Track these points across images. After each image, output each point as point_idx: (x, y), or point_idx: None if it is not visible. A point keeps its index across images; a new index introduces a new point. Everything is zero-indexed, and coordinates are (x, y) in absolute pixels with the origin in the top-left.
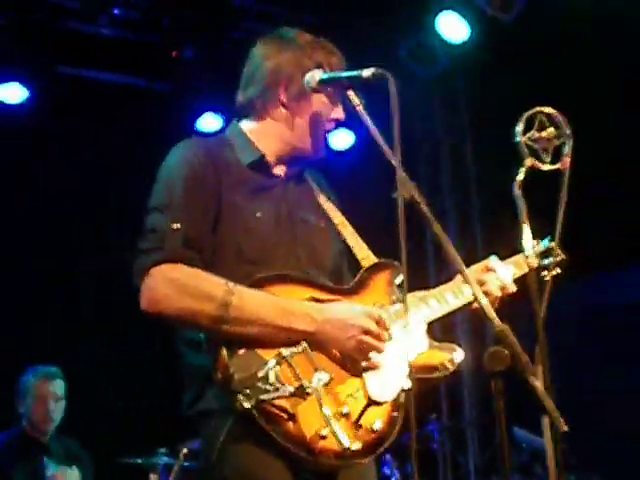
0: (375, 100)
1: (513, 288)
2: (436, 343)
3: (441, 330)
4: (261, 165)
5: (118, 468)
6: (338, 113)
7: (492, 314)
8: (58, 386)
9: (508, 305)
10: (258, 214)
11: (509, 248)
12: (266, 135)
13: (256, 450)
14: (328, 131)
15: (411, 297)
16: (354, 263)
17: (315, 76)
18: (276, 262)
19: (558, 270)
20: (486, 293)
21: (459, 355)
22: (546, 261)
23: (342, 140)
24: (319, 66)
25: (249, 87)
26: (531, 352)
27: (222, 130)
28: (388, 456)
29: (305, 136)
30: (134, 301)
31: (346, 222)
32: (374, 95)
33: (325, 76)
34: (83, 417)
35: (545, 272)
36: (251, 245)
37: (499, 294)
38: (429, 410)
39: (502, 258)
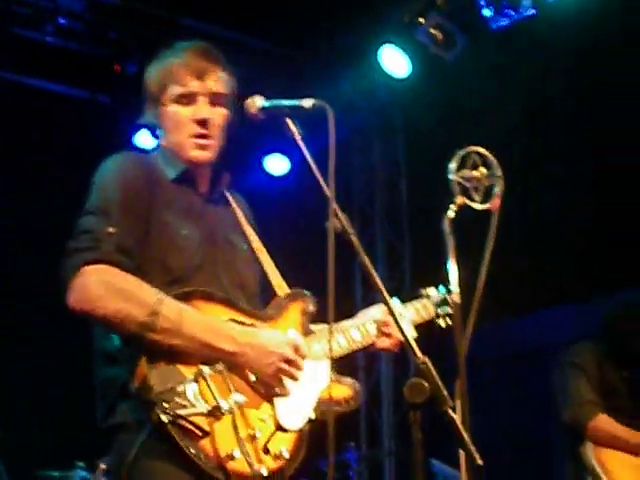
0: (314, 128)
1: (414, 334)
2: (341, 378)
3: (365, 360)
4: (186, 179)
5: None
6: (196, 114)
7: (415, 346)
8: None
9: (432, 340)
10: (184, 232)
11: (437, 283)
12: (175, 152)
13: (167, 466)
14: (197, 134)
15: (321, 327)
16: (269, 290)
17: (256, 103)
18: (198, 281)
19: (449, 322)
20: (389, 335)
21: (359, 396)
22: (441, 310)
23: (278, 166)
24: (160, 84)
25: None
26: (451, 387)
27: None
28: None
29: (174, 142)
30: (51, 313)
31: (263, 248)
32: (314, 123)
33: (266, 104)
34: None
35: (440, 321)
36: (176, 262)
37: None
38: (348, 438)
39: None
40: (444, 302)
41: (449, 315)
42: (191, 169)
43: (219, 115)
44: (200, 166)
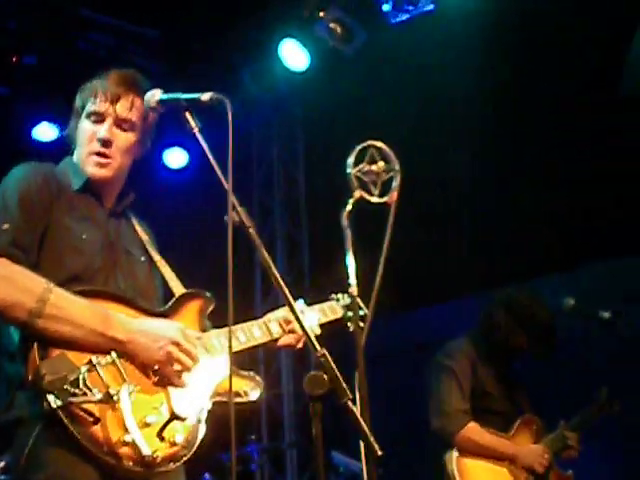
0: (215, 122)
1: (317, 331)
2: (241, 371)
3: (265, 354)
4: (88, 190)
5: None
6: (99, 132)
7: (314, 340)
8: None
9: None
10: (84, 236)
11: (335, 276)
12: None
13: (64, 455)
14: (96, 153)
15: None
16: (170, 297)
17: (155, 96)
18: (97, 282)
19: (361, 324)
20: (292, 331)
21: (259, 389)
22: (349, 314)
23: (176, 159)
24: (84, 102)
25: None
26: (350, 379)
27: (49, 146)
28: (207, 475)
29: (79, 155)
30: None
31: (164, 262)
32: (215, 117)
33: (164, 97)
34: None
35: (348, 324)
36: (76, 262)
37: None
38: (249, 431)
39: (327, 284)
40: (350, 307)
41: (359, 318)
42: (93, 181)
43: (123, 139)
44: (100, 183)
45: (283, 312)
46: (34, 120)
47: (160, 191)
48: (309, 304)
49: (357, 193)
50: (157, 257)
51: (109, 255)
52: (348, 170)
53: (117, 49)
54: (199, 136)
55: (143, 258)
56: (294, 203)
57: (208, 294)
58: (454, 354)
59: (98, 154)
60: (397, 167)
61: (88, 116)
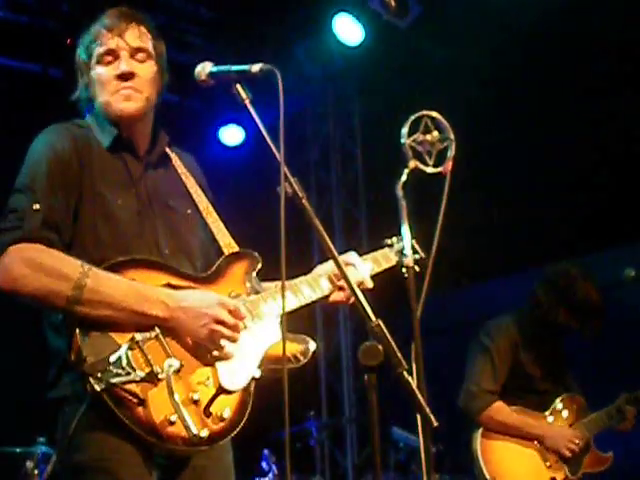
0: (268, 100)
1: (370, 284)
2: (289, 335)
3: (323, 325)
4: (120, 145)
5: None
6: (117, 69)
7: (368, 309)
8: None
9: (385, 302)
10: (119, 201)
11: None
12: (108, 116)
13: (107, 436)
14: (120, 89)
15: (268, 286)
16: (217, 251)
17: (205, 69)
18: (136, 250)
19: (417, 268)
20: (342, 288)
21: (312, 347)
22: (404, 259)
23: (232, 136)
24: (88, 48)
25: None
26: (406, 350)
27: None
28: (266, 451)
29: (103, 103)
30: None
31: (211, 208)
32: (267, 94)
33: (214, 69)
34: None
35: (404, 270)
36: (111, 232)
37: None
38: (308, 407)
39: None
40: (412, 250)
41: (417, 262)
42: (124, 133)
43: (144, 68)
44: (131, 121)
45: (331, 266)
46: None
47: (216, 168)
48: (362, 254)
49: (412, 163)
50: (204, 204)
51: (148, 217)
52: (402, 140)
53: (169, 27)
54: (250, 107)
55: (189, 210)
56: (351, 179)
57: (255, 253)
58: (494, 333)
59: (124, 88)
60: (451, 136)
61: (99, 60)
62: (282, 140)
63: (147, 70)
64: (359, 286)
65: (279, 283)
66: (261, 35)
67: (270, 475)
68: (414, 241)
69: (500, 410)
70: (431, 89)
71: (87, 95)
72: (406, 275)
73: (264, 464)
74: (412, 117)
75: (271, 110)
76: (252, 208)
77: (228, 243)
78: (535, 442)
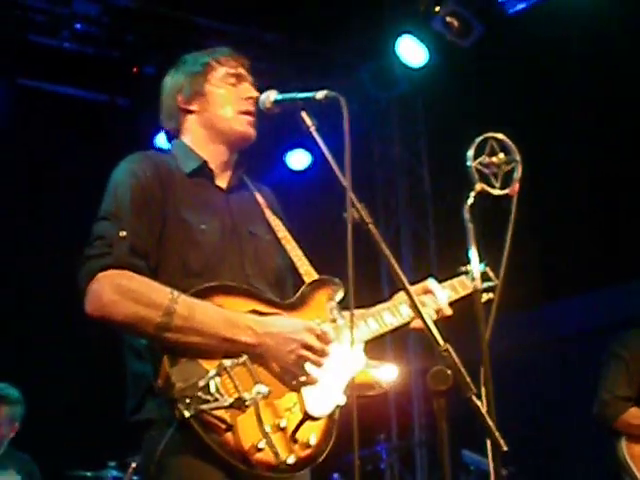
0: (333, 124)
1: (449, 312)
2: (372, 362)
3: (394, 349)
4: (203, 172)
5: None
6: (247, 91)
7: (436, 334)
8: (10, 411)
9: (455, 327)
10: (203, 227)
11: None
12: (198, 143)
13: (194, 461)
14: (247, 112)
15: (347, 314)
16: (297, 278)
17: (270, 97)
18: (221, 275)
19: (491, 295)
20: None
21: (393, 375)
22: (482, 285)
23: (299, 160)
24: (204, 65)
25: (163, 114)
26: (475, 374)
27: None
28: (336, 475)
29: (221, 122)
30: (79, 314)
31: (289, 237)
32: (332, 119)
33: (279, 97)
34: (33, 429)
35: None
36: (196, 258)
37: (435, 317)
38: (378, 430)
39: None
40: (484, 277)
41: (489, 289)
42: (208, 162)
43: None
44: (244, 144)
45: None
46: (155, 129)
47: (283, 192)
48: (439, 281)
49: (478, 186)
50: (282, 232)
51: (232, 241)
52: (468, 163)
53: (234, 53)
54: (315, 134)
55: (268, 237)
56: (418, 200)
57: (337, 280)
58: (629, 344)
59: (249, 113)
60: (518, 158)
61: (224, 80)
62: (348, 167)
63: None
64: (438, 313)
65: (361, 311)
66: (326, 59)
67: None
68: (487, 268)
69: (636, 415)
70: (497, 109)
71: (185, 107)
72: (487, 299)
73: None
74: (477, 139)
75: (337, 133)
76: (320, 232)
77: (308, 271)
78: None
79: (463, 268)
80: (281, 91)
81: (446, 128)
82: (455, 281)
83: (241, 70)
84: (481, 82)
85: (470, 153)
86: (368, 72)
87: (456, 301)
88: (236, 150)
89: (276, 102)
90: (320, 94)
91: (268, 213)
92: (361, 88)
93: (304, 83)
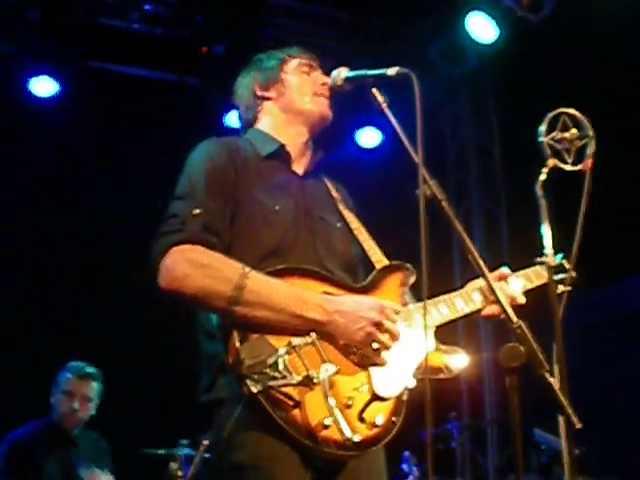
0: (404, 102)
1: (522, 300)
2: (442, 346)
3: (465, 330)
4: (280, 155)
5: (140, 459)
6: (320, 78)
7: (510, 311)
8: (90, 388)
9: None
10: (277, 207)
11: (535, 248)
12: (276, 128)
13: (262, 437)
14: (323, 94)
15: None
16: (369, 268)
17: (341, 74)
18: (294, 255)
19: (569, 287)
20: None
21: (463, 360)
22: (557, 277)
23: (370, 138)
24: (279, 58)
25: (240, 105)
26: (549, 352)
27: (241, 133)
28: (407, 453)
29: (300, 104)
30: (154, 293)
31: (362, 228)
32: (403, 96)
33: (351, 74)
34: (106, 408)
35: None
36: (269, 238)
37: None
38: (449, 408)
39: (527, 258)
40: (561, 269)
41: (564, 281)
42: (285, 146)
43: None
44: (323, 124)
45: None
46: (226, 108)
47: (353, 171)
48: (513, 270)
49: (551, 161)
50: (354, 224)
51: (305, 224)
52: (540, 138)
53: (305, 33)
54: (387, 111)
55: (339, 224)
56: (490, 177)
57: (409, 266)
58: None
59: (324, 96)
60: (590, 133)
61: (298, 69)
62: (420, 143)
63: None
64: (511, 301)
65: (434, 299)
66: (395, 37)
67: (410, 477)
68: (565, 261)
69: None
70: (568, 84)
71: (262, 95)
72: (562, 291)
73: (404, 466)
74: (549, 115)
75: (407, 111)
76: (390, 211)
77: (380, 260)
78: None
79: (539, 259)
80: (352, 69)
81: (517, 104)
82: (530, 270)
83: (313, 62)
84: (552, 58)
85: (542, 129)
86: (438, 49)
87: (530, 290)
88: (314, 131)
89: (347, 79)
90: (391, 70)
91: (341, 206)
92: (431, 65)
93: (374, 61)
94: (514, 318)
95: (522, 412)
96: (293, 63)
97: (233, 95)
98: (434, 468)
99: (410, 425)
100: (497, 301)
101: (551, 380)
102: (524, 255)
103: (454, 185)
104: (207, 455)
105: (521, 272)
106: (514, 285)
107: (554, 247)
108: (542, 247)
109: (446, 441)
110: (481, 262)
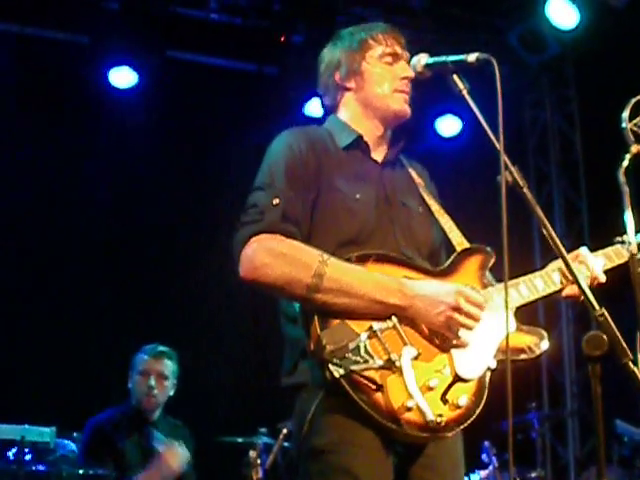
0: (483, 87)
1: (602, 279)
2: (524, 327)
3: (546, 318)
4: (359, 146)
5: (219, 447)
6: (403, 71)
7: (592, 299)
8: (164, 365)
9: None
10: (357, 196)
11: (616, 236)
12: (354, 119)
13: (345, 421)
14: (403, 90)
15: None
16: (450, 250)
17: (421, 60)
18: (374, 243)
19: None
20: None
21: (546, 340)
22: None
23: (449, 126)
24: (361, 42)
25: (321, 90)
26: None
27: (321, 122)
28: (487, 443)
29: (377, 100)
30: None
31: (443, 211)
32: (483, 83)
33: (430, 60)
34: (186, 395)
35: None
36: (351, 225)
37: (588, 284)
38: (530, 398)
39: (608, 246)
40: None
41: None
42: (362, 137)
43: None
44: (400, 121)
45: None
46: (305, 96)
47: (433, 159)
48: (592, 250)
49: (634, 148)
50: (435, 206)
51: (385, 212)
52: (623, 125)
53: (380, 20)
54: (468, 97)
55: (421, 209)
56: (571, 166)
57: (488, 248)
58: None
59: (404, 92)
60: None
61: (381, 59)
62: (501, 129)
63: None
64: (592, 281)
65: (514, 280)
66: (474, 24)
67: (490, 467)
68: None
69: None
70: None
71: (342, 84)
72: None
73: (484, 456)
74: (632, 100)
75: (487, 99)
76: (471, 200)
77: (461, 242)
78: None
79: (619, 238)
80: (430, 56)
81: (598, 91)
82: (610, 249)
83: (397, 48)
84: (634, 43)
85: (625, 114)
86: (517, 36)
87: (611, 269)
88: (391, 127)
89: (427, 66)
90: (472, 56)
91: (422, 189)
92: (510, 52)
93: (451, 50)
94: (597, 306)
95: (604, 403)
96: (376, 51)
97: (314, 81)
98: (514, 459)
99: (490, 415)
100: (579, 288)
101: (634, 369)
102: (605, 243)
103: (535, 173)
104: (286, 444)
105: (600, 251)
106: (594, 264)
107: (636, 234)
108: (624, 235)
109: (526, 432)
110: (559, 243)
